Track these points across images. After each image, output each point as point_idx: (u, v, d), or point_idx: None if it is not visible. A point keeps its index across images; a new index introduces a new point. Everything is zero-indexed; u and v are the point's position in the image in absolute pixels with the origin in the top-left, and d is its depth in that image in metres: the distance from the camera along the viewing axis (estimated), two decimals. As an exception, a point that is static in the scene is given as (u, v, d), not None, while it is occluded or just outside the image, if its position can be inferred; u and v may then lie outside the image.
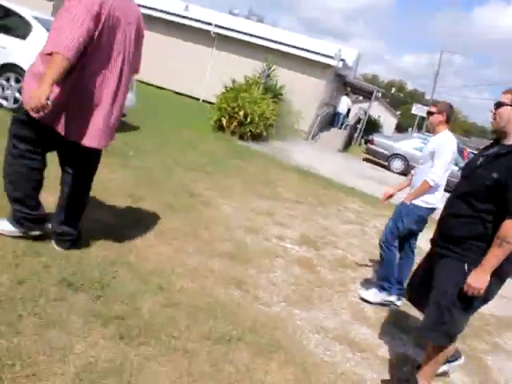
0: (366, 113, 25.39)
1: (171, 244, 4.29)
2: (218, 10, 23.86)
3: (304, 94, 16.62)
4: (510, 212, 2.67)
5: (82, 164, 3.46)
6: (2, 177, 3.35)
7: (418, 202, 4.37)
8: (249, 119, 11.99)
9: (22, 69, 7.31)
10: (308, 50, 17.76)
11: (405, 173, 15.57)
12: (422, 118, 35.73)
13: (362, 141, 25.51)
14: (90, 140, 3.24)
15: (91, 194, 3.76)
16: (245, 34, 18.76)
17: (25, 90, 3.16)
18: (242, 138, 12.06)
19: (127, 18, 3.28)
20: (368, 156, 18.37)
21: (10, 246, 3.28)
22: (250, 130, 12.15)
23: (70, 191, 3.47)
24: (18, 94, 7.39)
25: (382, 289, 4.54)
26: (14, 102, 7.44)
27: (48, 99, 2.79)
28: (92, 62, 3.11)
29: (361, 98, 33.57)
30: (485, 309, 3.60)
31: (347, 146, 20.99)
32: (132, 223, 4.44)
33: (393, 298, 4.55)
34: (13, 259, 3.14)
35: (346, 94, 24.48)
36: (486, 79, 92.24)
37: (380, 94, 28.34)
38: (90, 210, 4.02)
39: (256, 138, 12.49)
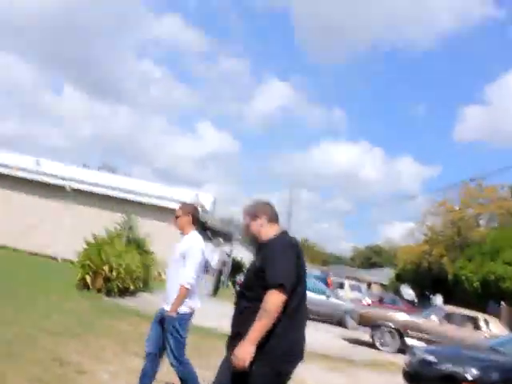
0: (229, 255, 25.88)
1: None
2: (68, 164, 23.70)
3: (167, 243, 16.56)
4: (269, 284, 2.84)
5: None
6: None
7: (184, 309, 4.35)
8: (115, 274, 11.50)
9: None
10: (166, 199, 18.17)
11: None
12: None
13: (229, 283, 25.71)
14: None
15: None
16: (101, 186, 18.82)
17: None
18: (109, 294, 11.41)
19: None
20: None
21: None
22: (117, 285, 11.61)
23: None
24: None
25: None
26: None
27: None
28: None
29: (221, 240, 34.34)
30: None
31: (216, 289, 20.95)
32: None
33: None
34: None
35: (209, 239, 24.91)
36: (332, 209, 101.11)
37: (240, 236, 29.33)
38: None
39: (124, 292, 11.92)
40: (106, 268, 11.41)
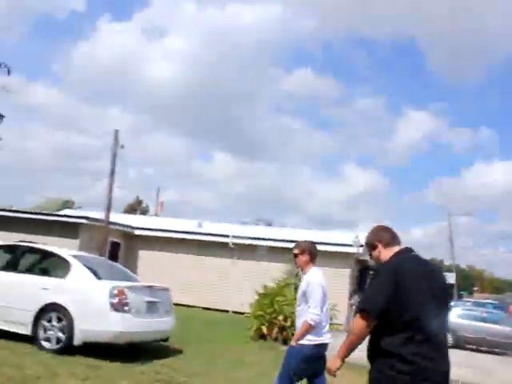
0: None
1: None
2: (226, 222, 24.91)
3: (333, 286, 16.32)
4: (357, 310, 3.00)
5: None
6: None
7: (304, 342, 4.41)
8: (289, 322, 11.50)
9: (63, 307, 7.20)
10: (326, 243, 18.02)
11: (455, 346, 14.48)
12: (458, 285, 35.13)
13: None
14: None
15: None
16: (260, 239, 19.30)
17: None
18: (285, 342, 11.41)
19: None
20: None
21: None
22: (293, 334, 11.55)
23: None
24: (60, 334, 7.13)
25: None
26: (57, 343, 7.14)
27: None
28: None
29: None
30: None
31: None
32: None
33: None
34: None
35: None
36: (495, 234, 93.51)
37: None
38: None
39: (299, 340, 11.82)
40: (280, 317, 11.48)
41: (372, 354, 2.98)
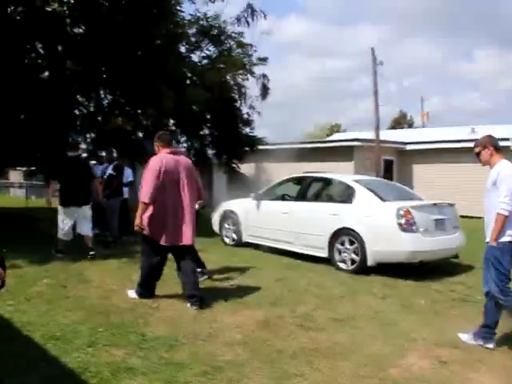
0: None
1: None
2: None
3: None
4: None
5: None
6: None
7: (505, 238, 4.23)
8: None
9: (353, 231, 7.63)
10: None
11: None
12: None
13: None
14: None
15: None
16: None
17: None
18: None
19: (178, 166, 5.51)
20: None
21: None
22: None
23: (184, 269, 5.55)
24: (354, 256, 7.62)
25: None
26: (352, 264, 7.66)
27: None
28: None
29: None
30: None
31: None
32: None
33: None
34: None
35: None
36: None
37: None
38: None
39: None
40: None
41: None
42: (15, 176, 29.63)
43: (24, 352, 3.98)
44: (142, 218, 5.38)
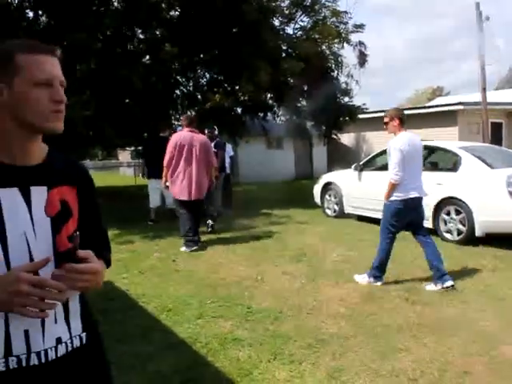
0: None
1: None
2: None
3: None
4: None
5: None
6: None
7: (392, 198, 5.06)
8: None
9: (459, 200, 7.29)
10: None
11: None
12: None
13: None
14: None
15: None
16: None
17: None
18: None
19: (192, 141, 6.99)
20: None
21: None
22: None
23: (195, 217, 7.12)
24: (460, 226, 7.29)
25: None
26: (458, 234, 7.34)
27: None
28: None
29: None
30: None
31: None
32: None
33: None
34: None
35: None
36: None
37: None
38: None
39: None
40: None
41: None
42: (124, 156, 31.45)
43: (140, 322, 4.30)
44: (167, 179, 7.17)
